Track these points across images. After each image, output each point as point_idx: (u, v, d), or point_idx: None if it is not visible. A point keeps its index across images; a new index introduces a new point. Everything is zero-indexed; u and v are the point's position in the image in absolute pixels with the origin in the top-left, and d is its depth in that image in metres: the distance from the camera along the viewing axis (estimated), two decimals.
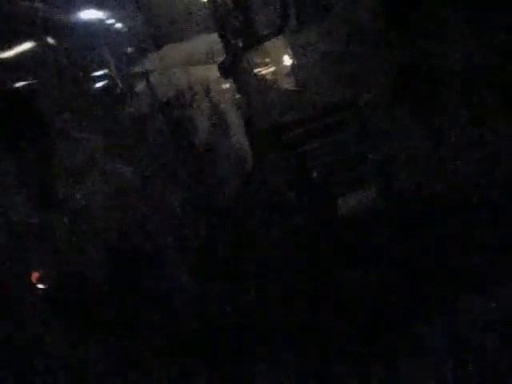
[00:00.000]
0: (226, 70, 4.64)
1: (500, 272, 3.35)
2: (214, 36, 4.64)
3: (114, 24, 4.78)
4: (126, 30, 4.86)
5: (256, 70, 4.54)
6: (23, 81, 3.89)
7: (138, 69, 4.73)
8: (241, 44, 4.50)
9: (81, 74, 4.23)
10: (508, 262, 3.38)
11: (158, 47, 4.80)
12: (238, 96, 4.82)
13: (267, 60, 4.55)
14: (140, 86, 4.69)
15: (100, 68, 4.46)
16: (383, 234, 3.80)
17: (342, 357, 3.24)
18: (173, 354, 3.47)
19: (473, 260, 3.45)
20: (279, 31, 4.29)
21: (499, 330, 2.97)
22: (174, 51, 4.85)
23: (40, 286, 3.51)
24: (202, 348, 3.53)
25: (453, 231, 3.65)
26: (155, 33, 4.81)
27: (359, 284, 3.63)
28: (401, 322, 3.30)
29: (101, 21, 4.66)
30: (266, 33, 4.37)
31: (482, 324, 3.04)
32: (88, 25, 4.50)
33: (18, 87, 3.87)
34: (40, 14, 4.13)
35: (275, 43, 4.39)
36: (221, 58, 4.63)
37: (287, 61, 4.51)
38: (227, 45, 4.55)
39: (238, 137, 4.84)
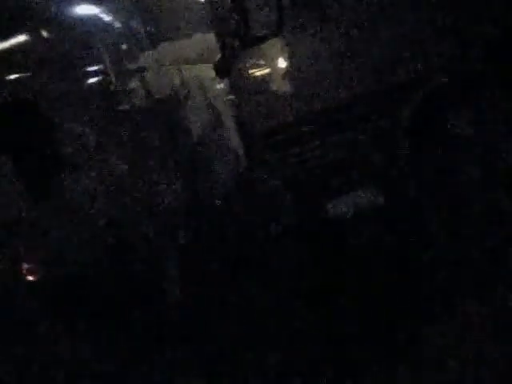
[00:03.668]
0: (221, 70, 4.64)
1: None
2: (210, 35, 4.64)
3: (110, 20, 4.75)
4: (121, 26, 4.84)
5: (251, 71, 4.55)
6: (17, 74, 3.86)
7: (132, 66, 4.71)
8: (237, 44, 4.49)
9: (76, 69, 4.20)
10: None
11: (154, 45, 4.79)
12: (232, 96, 4.82)
13: (263, 61, 4.56)
14: (134, 84, 4.67)
15: (95, 64, 4.44)
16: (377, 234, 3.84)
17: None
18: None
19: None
20: (276, 32, 4.29)
21: None
22: (169, 49, 4.83)
23: (29, 278, 3.48)
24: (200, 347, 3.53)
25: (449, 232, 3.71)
26: (151, 30, 4.80)
27: (355, 283, 3.64)
28: (402, 322, 3.30)
29: (97, 17, 4.64)
30: (262, 34, 4.36)
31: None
32: (84, 20, 4.47)
33: (11, 80, 3.84)
34: (36, 7, 4.11)
35: (271, 44, 4.39)
36: (216, 58, 4.62)
37: (283, 62, 4.52)
38: (223, 45, 4.54)
39: (232, 137, 4.84)
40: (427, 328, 3.20)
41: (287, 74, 4.47)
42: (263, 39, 4.35)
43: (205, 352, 3.45)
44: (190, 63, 4.88)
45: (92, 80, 4.46)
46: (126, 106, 4.47)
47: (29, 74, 3.90)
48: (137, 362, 3.41)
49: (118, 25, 4.79)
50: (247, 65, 4.52)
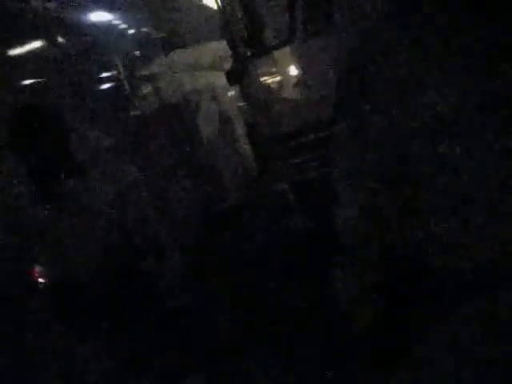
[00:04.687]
0: (233, 78, 4.68)
1: None
2: (223, 43, 4.69)
3: (123, 27, 4.83)
4: (135, 33, 4.92)
5: (262, 79, 4.58)
6: (32, 79, 3.92)
7: (145, 72, 4.77)
8: (248, 52, 4.54)
9: (89, 75, 4.27)
10: None
11: (167, 52, 4.86)
12: (243, 103, 4.86)
13: (274, 69, 4.59)
14: (147, 89, 4.73)
15: (108, 70, 4.51)
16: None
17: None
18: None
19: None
20: (287, 41, 4.33)
21: None
22: (181, 56, 4.89)
23: (40, 280, 3.52)
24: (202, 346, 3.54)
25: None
26: (164, 37, 4.87)
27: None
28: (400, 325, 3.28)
29: (110, 24, 4.72)
30: (273, 42, 4.41)
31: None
32: (98, 27, 4.55)
33: (26, 85, 3.91)
34: (51, 14, 4.18)
35: (282, 53, 4.42)
36: (228, 66, 4.68)
37: (293, 71, 4.55)
38: (235, 52, 4.59)
39: (242, 143, 4.88)
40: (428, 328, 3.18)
41: (297, 82, 4.49)
42: (274, 47, 4.39)
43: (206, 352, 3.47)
44: (201, 70, 4.93)
45: (105, 86, 4.54)
46: (138, 111, 4.53)
47: (43, 78, 3.95)
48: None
49: (131, 31, 4.87)
50: (258, 72, 4.55)
